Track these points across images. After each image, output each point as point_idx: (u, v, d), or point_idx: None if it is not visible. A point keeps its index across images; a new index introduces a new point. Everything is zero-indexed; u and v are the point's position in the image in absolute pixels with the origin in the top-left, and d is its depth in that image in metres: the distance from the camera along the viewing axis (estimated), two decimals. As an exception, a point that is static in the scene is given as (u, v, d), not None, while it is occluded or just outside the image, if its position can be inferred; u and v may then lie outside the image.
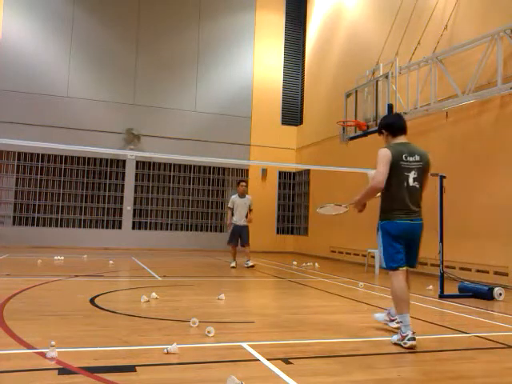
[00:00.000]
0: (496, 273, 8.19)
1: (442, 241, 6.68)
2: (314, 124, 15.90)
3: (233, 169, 16.61)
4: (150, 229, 15.61)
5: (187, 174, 16.13)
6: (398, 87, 10.14)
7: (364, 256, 10.99)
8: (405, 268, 4.00)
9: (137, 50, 15.73)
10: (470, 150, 8.95)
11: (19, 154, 14.46)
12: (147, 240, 15.32)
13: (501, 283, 7.76)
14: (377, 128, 4.46)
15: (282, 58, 17.43)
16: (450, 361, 3.48)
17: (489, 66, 8.32)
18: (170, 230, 15.81)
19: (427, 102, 9.47)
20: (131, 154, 14.79)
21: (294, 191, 17.23)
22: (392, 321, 4.30)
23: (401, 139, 4.15)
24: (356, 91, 11.02)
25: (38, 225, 14.52)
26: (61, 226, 14.72)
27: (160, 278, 7.84)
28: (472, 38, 8.64)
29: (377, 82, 10.28)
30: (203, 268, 10.27)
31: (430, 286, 7.49)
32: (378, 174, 3.89)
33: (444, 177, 6.81)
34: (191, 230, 16.01)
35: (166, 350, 3.31)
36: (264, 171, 16.67)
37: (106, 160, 15.20)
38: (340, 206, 4.42)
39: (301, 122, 17.18)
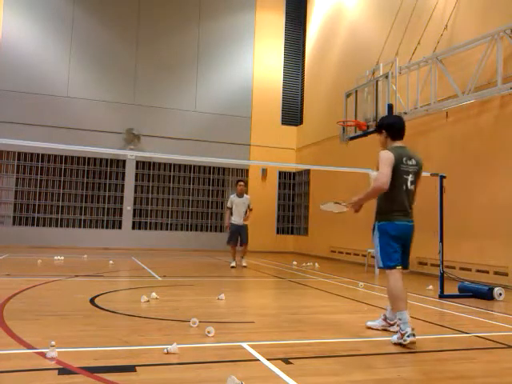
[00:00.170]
0: (496, 273, 8.19)
1: (442, 241, 6.68)
2: (313, 124, 15.90)
3: (233, 169, 16.62)
4: (150, 229, 15.61)
5: (187, 173, 16.13)
6: (398, 87, 10.14)
7: (364, 256, 10.99)
8: (401, 267, 4.06)
9: (137, 50, 15.74)
10: (470, 149, 8.95)
11: (19, 153, 14.46)
12: (147, 240, 15.32)
13: (501, 283, 7.76)
14: (377, 125, 4.49)
15: (282, 58, 17.44)
16: (449, 361, 3.48)
17: (489, 66, 8.32)
18: (170, 230, 15.81)
19: (427, 102, 9.47)
20: (131, 154, 14.79)
21: (294, 191, 17.23)
22: (391, 325, 4.29)
23: (398, 143, 4.25)
24: (356, 91, 11.02)
25: (38, 225, 14.53)
26: (61, 226, 14.72)
27: (160, 278, 7.84)
28: (472, 38, 8.64)
29: (377, 82, 10.28)
30: (203, 268, 10.27)
31: (430, 286, 7.49)
32: (382, 175, 3.95)
33: (444, 177, 6.82)
34: (191, 230, 16.01)
35: (165, 350, 3.31)
36: (264, 171, 16.67)
37: (106, 160, 15.21)
38: (339, 204, 4.43)
39: (301, 122, 17.18)
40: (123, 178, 15.42)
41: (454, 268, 8.75)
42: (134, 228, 15.41)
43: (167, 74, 15.89)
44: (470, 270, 8.69)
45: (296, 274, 9.56)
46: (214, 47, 16.54)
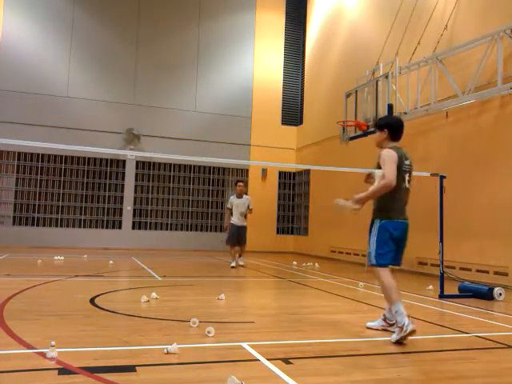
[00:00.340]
0: (496, 273, 8.19)
1: (442, 241, 6.68)
2: (313, 124, 15.90)
3: (233, 169, 16.62)
4: (150, 229, 15.61)
5: (187, 174, 16.13)
6: (398, 87, 10.14)
7: (364, 256, 10.98)
8: (392, 266, 4.18)
9: (137, 50, 15.74)
10: (470, 149, 8.95)
11: (19, 153, 14.46)
12: (147, 240, 15.32)
13: (501, 283, 7.76)
14: (377, 123, 4.52)
15: (282, 58, 17.44)
16: (449, 361, 3.48)
17: (489, 66, 8.32)
18: (170, 230, 15.81)
19: (427, 102, 9.47)
20: (131, 154, 14.79)
21: (294, 191, 17.23)
22: (391, 325, 4.29)
23: (396, 143, 4.35)
24: (356, 91, 11.02)
25: (38, 225, 14.53)
26: (61, 226, 14.72)
27: (160, 278, 7.84)
28: (472, 38, 8.64)
29: (377, 82, 10.28)
30: (203, 268, 10.27)
31: (430, 286, 7.49)
32: (389, 173, 4.01)
33: (444, 177, 6.81)
34: (191, 230, 16.01)
35: (166, 350, 3.31)
36: (264, 171, 16.67)
37: (106, 160, 15.21)
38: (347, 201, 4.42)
39: (301, 122, 17.18)
40: (123, 178, 15.42)
41: (454, 268, 8.75)
42: (134, 228, 15.41)
43: (167, 74, 15.89)
44: (470, 269, 8.69)
45: (296, 273, 9.56)
46: (214, 47, 16.54)
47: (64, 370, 2.90)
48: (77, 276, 7.62)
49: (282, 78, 17.36)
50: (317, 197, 15.32)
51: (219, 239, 15.52)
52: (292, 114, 17.47)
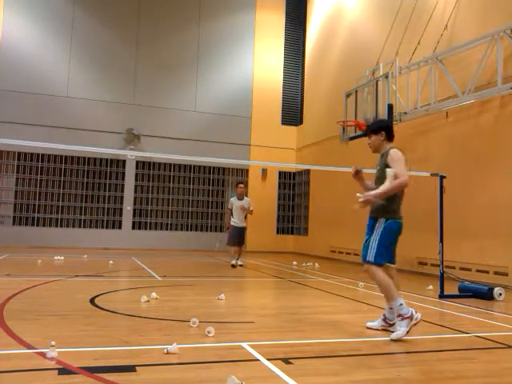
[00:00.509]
0: (496, 273, 8.19)
1: (442, 241, 6.68)
2: (313, 124, 15.90)
3: (233, 169, 16.62)
4: (150, 229, 15.61)
5: (187, 173, 16.13)
6: (398, 87, 10.14)
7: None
8: (387, 264, 4.28)
9: (137, 50, 15.74)
10: (470, 149, 8.95)
11: (19, 153, 14.46)
12: (147, 240, 15.32)
13: (501, 283, 7.76)
14: (371, 128, 4.56)
15: (282, 58, 17.44)
16: (449, 361, 3.48)
17: (489, 66, 8.32)
18: (170, 230, 15.81)
19: (427, 102, 9.47)
20: (131, 154, 14.80)
21: (294, 191, 17.23)
22: (391, 325, 4.30)
23: (392, 144, 4.46)
24: (356, 91, 11.03)
25: (38, 225, 14.53)
26: (61, 226, 14.72)
27: (160, 278, 7.84)
28: (472, 38, 8.64)
29: (377, 81, 10.28)
30: (203, 268, 10.27)
31: (430, 286, 7.49)
32: (403, 172, 4.11)
33: (444, 177, 6.82)
34: (191, 230, 16.01)
35: (166, 350, 3.31)
36: (264, 171, 16.67)
37: (106, 160, 15.21)
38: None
39: (301, 122, 17.18)
40: (123, 178, 15.42)
41: (454, 268, 8.75)
42: (134, 228, 15.41)
43: (167, 74, 15.89)
44: (470, 269, 8.69)
45: (296, 273, 9.56)
46: (214, 47, 16.54)
47: (64, 370, 2.90)
48: (77, 276, 7.62)
49: (282, 78, 17.36)
50: (317, 197, 15.32)
51: (219, 239, 15.54)
52: (292, 114, 17.47)
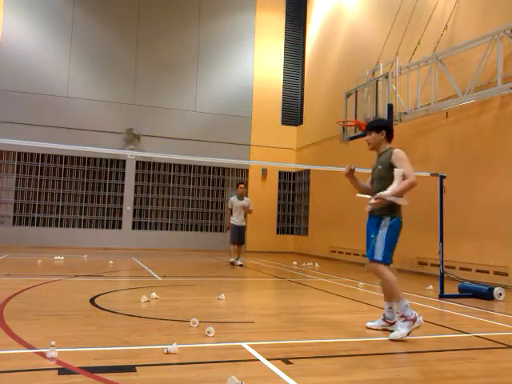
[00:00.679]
0: (496, 273, 8.19)
1: (442, 241, 6.68)
2: (313, 124, 15.90)
3: (233, 169, 16.62)
4: (150, 229, 15.61)
5: (187, 174, 16.13)
6: (398, 87, 10.14)
7: (364, 256, 10.98)
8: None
9: (137, 50, 15.74)
10: (470, 149, 8.95)
11: (19, 153, 14.46)
12: (147, 240, 15.32)
13: (501, 283, 7.76)
14: (372, 125, 4.52)
15: (282, 58, 17.44)
16: (449, 361, 3.48)
17: (489, 66, 8.32)
18: (170, 230, 15.81)
19: (427, 102, 9.47)
20: (131, 154, 14.80)
21: (294, 191, 17.23)
22: (391, 324, 4.30)
23: (391, 145, 4.46)
24: (356, 91, 11.03)
25: (38, 225, 14.53)
26: (61, 226, 14.72)
27: (160, 278, 7.84)
28: (472, 38, 8.64)
29: (377, 82, 10.28)
30: (203, 268, 10.27)
31: (430, 286, 7.49)
32: (411, 172, 4.13)
33: (444, 177, 6.82)
34: (191, 230, 16.01)
35: (166, 350, 3.31)
36: (264, 171, 16.67)
37: (106, 160, 15.21)
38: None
39: (301, 122, 17.18)
40: (123, 178, 15.42)
41: (454, 268, 8.75)
42: (134, 228, 15.41)
43: (167, 74, 15.89)
44: (470, 270, 8.69)
45: (296, 273, 9.56)
46: (214, 47, 16.54)
47: (64, 370, 2.90)
48: (77, 276, 7.62)
49: (282, 78, 17.36)
50: (317, 197, 15.32)
51: (219, 239, 15.55)
52: (292, 114, 17.47)
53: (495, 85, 8.04)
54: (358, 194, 4.47)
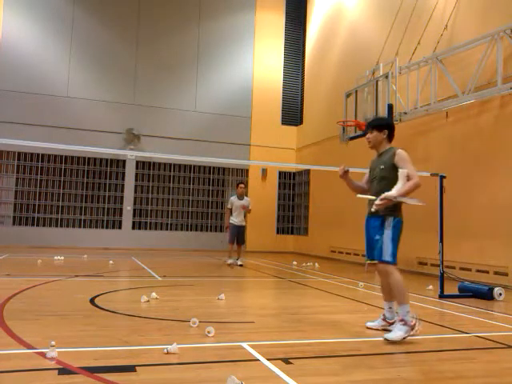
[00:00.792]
0: (496, 273, 8.19)
1: (442, 241, 6.68)
2: (313, 124, 15.90)
3: (233, 169, 16.62)
4: (150, 229, 15.61)
5: (187, 174, 16.13)
6: (398, 87, 10.14)
7: (364, 256, 10.97)
8: None
9: (137, 50, 15.74)
10: (470, 149, 8.95)
11: (19, 153, 14.46)
12: (147, 240, 15.32)
13: (501, 283, 7.76)
14: (375, 124, 4.46)
15: (282, 58, 17.44)
16: (449, 361, 3.48)
17: (489, 66, 8.32)
18: (170, 230, 15.81)
19: (427, 102, 9.47)
20: (131, 154, 14.80)
21: (294, 191, 17.23)
22: (391, 324, 4.29)
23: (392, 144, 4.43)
24: (356, 91, 11.03)
25: (38, 225, 14.53)
26: (61, 226, 14.72)
27: (160, 278, 7.84)
28: (472, 38, 8.64)
29: (377, 82, 10.28)
30: (203, 268, 10.27)
31: (430, 286, 7.49)
32: (415, 172, 4.10)
33: (444, 177, 6.82)
34: (191, 230, 16.01)
35: (166, 350, 3.31)
36: (264, 171, 16.67)
37: (106, 160, 15.21)
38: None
39: (301, 122, 17.18)
40: (123, 178, 15.42)
41: (454, 268, 8.75)
42: (134, 228, 15.41)
43: (167, 74, 15.89)
44: (470, 270, 8.69)
45: (296, 274, 9.56)
46: (214, 47, 16.54)
47: (64, 370, 2.90)
48: (77, 276, 7.62)
49: (282, 78, 17.36)
50: (317, 197, 15.32)
51: (219, 239, 15.54)
52: (292, 114, 17.47)
53: (495, 85, 8.04)
54: (359, 195, 4.43)
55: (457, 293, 6.79)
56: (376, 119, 4.85)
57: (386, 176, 4.21)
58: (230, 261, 10.60)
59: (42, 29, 14.81)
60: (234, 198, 10.74)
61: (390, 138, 4.40)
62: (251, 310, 5.68)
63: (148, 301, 5.41)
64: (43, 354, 3.15)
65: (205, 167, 16.27)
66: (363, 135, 10.43)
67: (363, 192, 4.49)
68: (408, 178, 4.05)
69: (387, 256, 4.12)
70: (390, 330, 4.18)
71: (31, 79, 14.49)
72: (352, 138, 10.98)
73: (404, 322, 3.93)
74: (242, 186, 10.85)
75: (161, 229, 15.71)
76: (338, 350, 3.69)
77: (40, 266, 9.17)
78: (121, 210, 15.33)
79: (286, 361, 3.25)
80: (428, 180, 7.16)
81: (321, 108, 15.37)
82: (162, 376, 2.90)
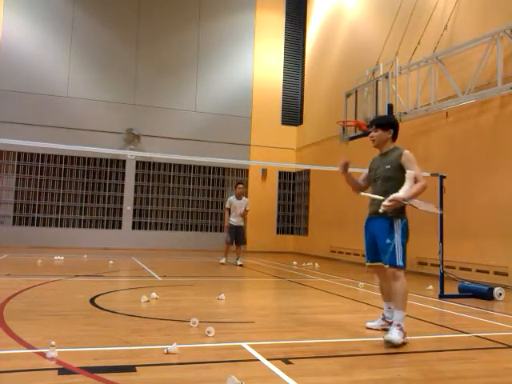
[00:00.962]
0: (496, 273, 8.19)
1: (442, 241, 6.69)
2: (313, 124, 15.90)
3: (233, 169, 16.62)
4: (150, 229, 15.61)
5: (187, 174, 16.13)
6: (398, 87, 10.14)
7: (364, 256, 10.97)
8: None
9: (137, 50, 15.74)
10: (470, 150, 8.95)
11: (19, 153, 14.46)
12: (147, 240, 15.32)
13: (501, 283, 7.76)
14: (380, 123, 4.33)
15: (282, 58, 17.44)
16: (449, 361, 3.48)
17: (489, 66, 8.32)
18: (170, 230, 15.81)
19: (427, 102, 9.47)
20: (131, 154, 14.80)
21: (294, 191, 17.23)
22: (390, 323, 4.29)
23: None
24: (356, 91, 11.03)
25: (38, 225, 14.53)
26: (61, 226, 14.72)
27: (160, 278, 7.84)
28: (472, 38, 8.64)
29: (377, 82, 10.28)
30: (203, 268, 10.27)
31: (430, 286, 7.49)
32: (421, 174, 4.04)
33: (444, 177, 6.82)
34: (191, 230, 16.01)
35: (166, 350, 3.31)
36: (264, 171, 16.67)
37: (106, 160, 15.21)
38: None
39: (301, 122, 17.18)
40: (123, 178, 15.42)
41: (454, 268, 8.74)
42: (134, 228, 15.41)
43: (167, 74, 15.89)
44: (470, 270, 8.69)
45: (296, 273, 9.56)
46: (214, 47, 16.54)
47: (64, 370, 2.90)
48: (77, 276, 7.62)
49: (282, 78, 17.36)
50: (317, 197, 15.32)
51: (219, 239, 15.53)
52: (292, 114, 17.47)
53: (495, 85, 8.04)
54: (362, 193, 4.30)
55: (457, 293, 6.79)
56: (381, 117, 4.75)
57: (393, 176, 4.10)
58: (222, 260, 10.76)
59: (42, 29, 14.81)
60: (232, 198, 10.82)
61: (395, 137, 4.29)
62: (251, 310, 5.68)
63: (148, 301, 5.40)
64: (43, 354, 3.15)
65: (205, 167, 16.27)
66: (363, 135, 10.44)
67: (361, 189, 4.42)
68: (415, 180, 3.96)
69: (399, 261, 4.01)
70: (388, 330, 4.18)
71: (31, 79, 14.49)
72: (352, 138, 10.98)
73: (400, 327, 3.84)
74: (241, 186, 10.92)
75: (161, 229, 15.71)
76: (338, 350, 3.69)
77: (40, 265, 9.17)
78: (121, 209, 15.33)
79: (286, 361, 3.25)
80: (428, 180, 7.16)
81: (321, 108, 15.37)
82: (162, 376, 2.90)
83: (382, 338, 3.93)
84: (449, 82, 9.02)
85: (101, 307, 5.03)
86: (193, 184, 16.17)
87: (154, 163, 15.74)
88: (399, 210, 4.04)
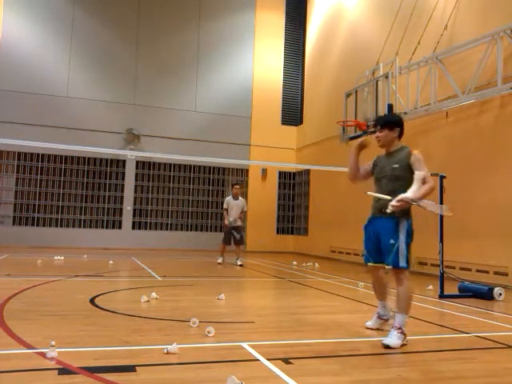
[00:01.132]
0: (496, 273, 8.19)
1: (442, 241, 6.69)
2: (314, 124, 15.90)
3: (233, 169, 16.62)
4: (150, 229, 15.61)
5: (187, 174, 16.13)
6: (398, 87, 10.14)
7: (363, 256, 10.97)
8: None
9: (137, 50, 15.74)
10: (470, 149, 8.95)
11: (19, 153, 14.46)
12: (147, 240, 15.32)
13: (501, 283, 7.76)
14: (386, 122, 4.24)
15: (282, 58, 17.44)
16: (449, 361, 3.48)
17: (489, 66, 8.32)
18: (170, 230, 15.81)
19: (427, 102, 9.47)
20: (131, 154, 14.79)
21: (294, 191, 17.23)
22: (386, 321, 4.31)
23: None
24: (356, 91, 11.03)
25: (38, 225, 14.53)
26: (61, 226, 14.72)
27: (160, 278, 7.84)
28: (472, 38, 8.64)
29: (377, 81, 10.29)
30: (203, 268, 10.28)
31: (430, 286, 7.49)
32: (428, 174, 3.99)
33: (444, 177, 6.82)
34: (191, 230, 16.01)
35: (166, 350, 3.31)
36: (264, 171, 16.67)
37: (106, 160, 15.21)
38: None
39: (301, 122, 17.18)
40: (123, 178, 15.42)
41: (454, 268, 8.74)
42: (134, 228, 15.41)
43: (167, 74, 15.89)
44: (470, 270, 8.69)
45: (296, 274, 9.56)
46: (214, 47, 16.54)
47: (64, 370, 2.90)
48: (77, 276, 7.62)
49: (282, 78, 17.36)
50: (317, 197, 15.31)
51: (219, 239, 15.52)
52: (292, 114, 17.47)
53: (495, 85, 8.04)
54: (369, 192, 4.19)
55: (457, 293, 6.79)
56: (386, 116, 4.66)
57: (401, 176, 4.02)
58: (219, 259, 10.86)
59: (42, 29, 14.81)
60: (229, 199, 10.92)
61: (401, 135, 4.21)
62: (251, 310, 5.68)
63: (148, 301, 5.40)
64: (43, 354, 3.15)
65: (205, 167, 16.27)
66: (363, 135, 10.44)
67: (356, 179, 4.36)
68: (423, 182, 3.90)
69: (403, 262, 3.99)
70: (386, 326, 4.18)
71: (31, 79, 14.49)
72: (352, 138, 10.97)
73: (401, 330, 3.83)
74: (237, 187, 11.04)
75: (161, 229, 15.71)
76: (338, 350, 3.69)
77: (40, 265, 9.17)
78: (121, 209, 15.33)
79: (286, 361, 3.25)
80: (428, 180, 7.17)
81: (321, 108, 15.37)
82: (162, 376, 2.90)
83: (381, 338, 3.93)
84: (449, 82, 9.02)
85: (101, 307, 5.03)
86: (193, 184, 16.17)
87: (153, 163, 15.74)
88: (405, 211, 4.00)
